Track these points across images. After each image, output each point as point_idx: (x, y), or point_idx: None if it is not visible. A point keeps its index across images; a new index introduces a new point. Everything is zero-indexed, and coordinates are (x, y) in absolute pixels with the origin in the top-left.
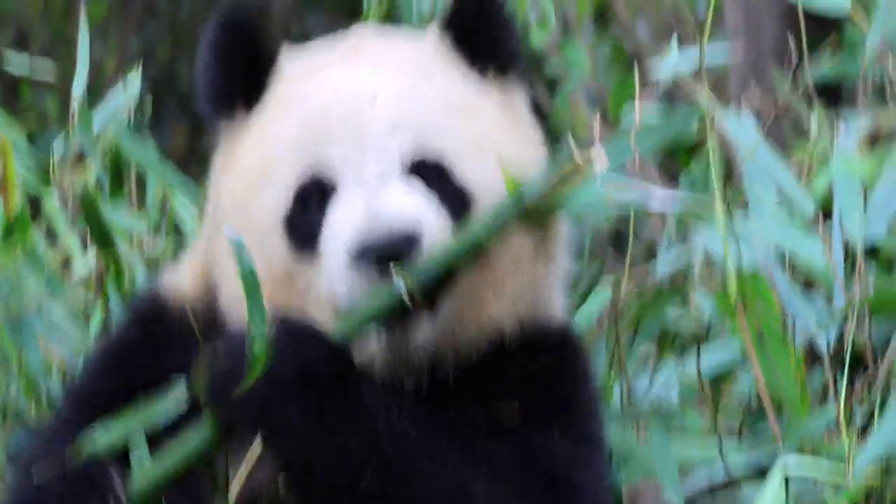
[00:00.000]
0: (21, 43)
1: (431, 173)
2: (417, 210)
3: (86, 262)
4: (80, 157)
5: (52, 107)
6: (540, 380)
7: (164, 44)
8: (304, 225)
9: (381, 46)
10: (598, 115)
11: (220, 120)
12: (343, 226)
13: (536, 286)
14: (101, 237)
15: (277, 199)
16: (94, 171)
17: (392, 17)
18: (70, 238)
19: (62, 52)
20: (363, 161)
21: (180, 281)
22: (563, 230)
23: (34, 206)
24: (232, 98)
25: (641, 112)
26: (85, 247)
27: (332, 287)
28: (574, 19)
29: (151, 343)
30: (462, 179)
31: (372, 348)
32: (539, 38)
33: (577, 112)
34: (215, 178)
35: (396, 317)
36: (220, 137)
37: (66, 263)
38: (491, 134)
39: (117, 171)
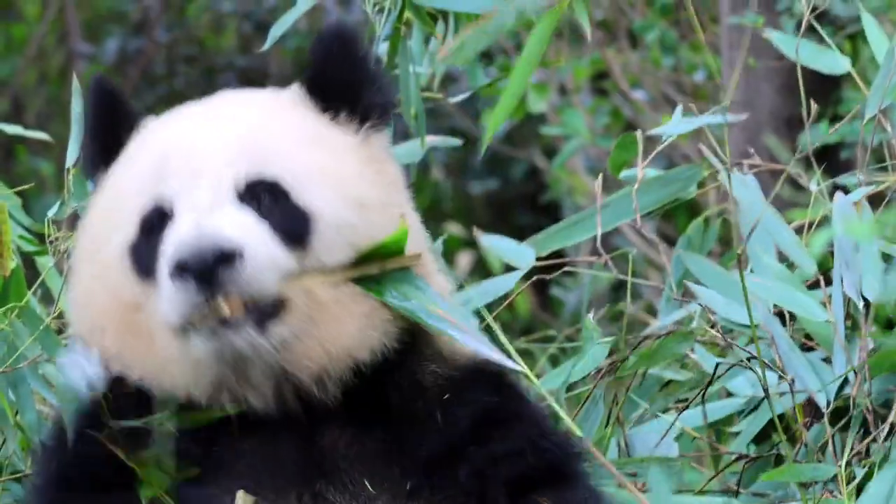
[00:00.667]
0: (17, 108)
1: (267, 196)
2: (236, 228)
3: None
4: (76, 220)
5: (48, 171)
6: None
7: (160, 110)
8: (145, 252)
9: (233, 99)
10: (601, 177)
11: (93, 178)
12: (167, 248)
13: (397, 318)
14: None
15: (124, 231)
16: None
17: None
18: (65, 298)
19: (58, 117)
20: (197, 189)
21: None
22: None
23: (30, 267)
24: (97, 162)
25: (642, 172)
26: None
27: (166, 307)
28: (572, 85)
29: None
30: (301, 200)
31: (199, 352)
32: (537, 102)
33: (576, 176)
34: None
35: (219, 326)
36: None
37: (62, 323)
38: (335, 164)
39: None
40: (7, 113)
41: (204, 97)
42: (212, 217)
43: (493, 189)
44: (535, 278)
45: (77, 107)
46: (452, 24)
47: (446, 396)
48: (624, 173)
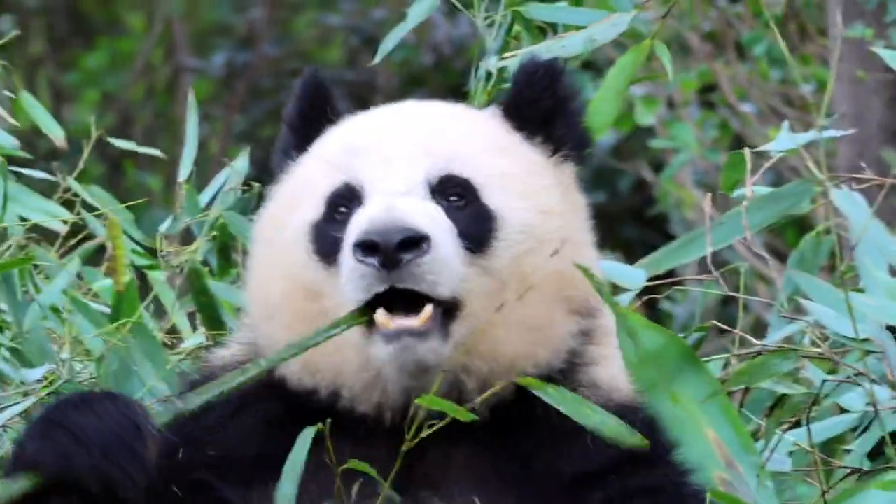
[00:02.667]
0: (125, 122)
1: (456, 193)
2: (424, 215)
3: (195, 337)
4: (187, 235)
5: (156, 185)
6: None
7: (267, 124)
8: (329, 233)
9: (432, 105)
10: (709, 196)
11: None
12: (357, 222)
13: (566, 339)
14: (210, 312)
15: (307, 210)
16: (201, 249)
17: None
18: (177, 313)
19: (165, 131)
20: (389, 176)
21: (228, 350)
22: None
23: (141, 281)
24: (292, 153)
25: (752, 188)
26: (192, 322)
27: (346, 288)
28: (680, 97)
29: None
30: (489, 202)
31: (380, 356)
32: (645, 115)
33: (683, 189)
34: (259, 213)
35: (405, 333)
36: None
37: (173, 338)
38: (525, 173)
39: (225, 248)
40: (115, 127)
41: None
42: (403, 200)
43: (600, 202)
44: (645, 298)
45: (191, 121)
46: None
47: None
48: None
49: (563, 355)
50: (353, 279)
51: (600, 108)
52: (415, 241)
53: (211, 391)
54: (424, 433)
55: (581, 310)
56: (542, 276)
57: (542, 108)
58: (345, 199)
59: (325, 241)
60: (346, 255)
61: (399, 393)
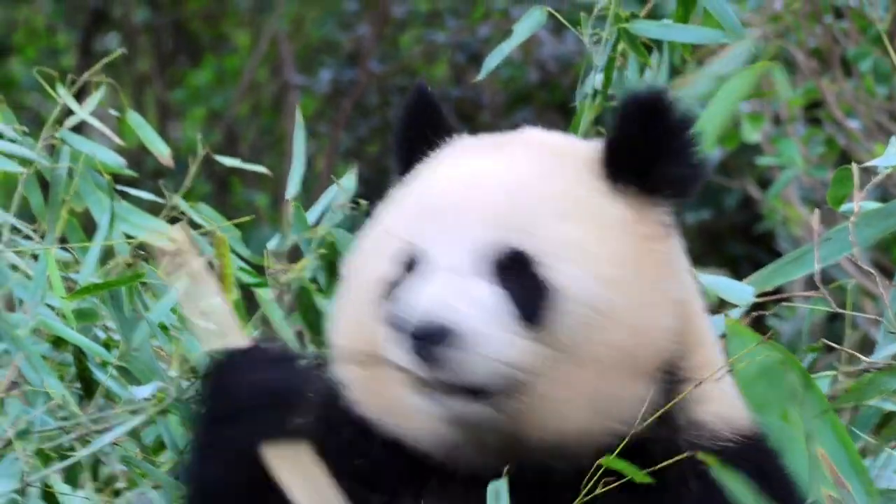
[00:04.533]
0: (231, 139)
1: (515, 264)
2: (468, 306)
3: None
4: (295, 253)
5: (263, 202)
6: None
7: (374, 142)
8: (395, 296)
9: (523, 145)
10: (817, 212)
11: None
12: (398, 299)
13: (640, 402)
14: (317, 329)
15: (384, 264)
16: (309, 267)
17: (602, 120)
18: (285, 330)
19: (271, 149)
20: (445, 246)
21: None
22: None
23: (249, 299)
24: (402, 167)
25: (859, 204)
26: (300, 339)
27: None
28: (786, 114)
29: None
30: (549, 274)
31: (432, 410)
32: (751, 132)
33: (790, 206)
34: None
35: (438, 391)
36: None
37: None
38: (596, 241)
39: (332, 266)
40: (221, 145)
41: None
42: (449, 284)
43: (706, 219)
44: (753, 315)
45: (298, 138)
46: (667, 55)
47: (704, 467)
48: (842, 207)
49: (643, 414)
50: (392, 348)
51: (706, 127)
52: (447, 338)
53: None
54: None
55: (656, 368)
56: (602, 349)
57: (639, 150)
58: (408, 264)
59: (390, 304)
60: (385, 321)
61: (459, 447)
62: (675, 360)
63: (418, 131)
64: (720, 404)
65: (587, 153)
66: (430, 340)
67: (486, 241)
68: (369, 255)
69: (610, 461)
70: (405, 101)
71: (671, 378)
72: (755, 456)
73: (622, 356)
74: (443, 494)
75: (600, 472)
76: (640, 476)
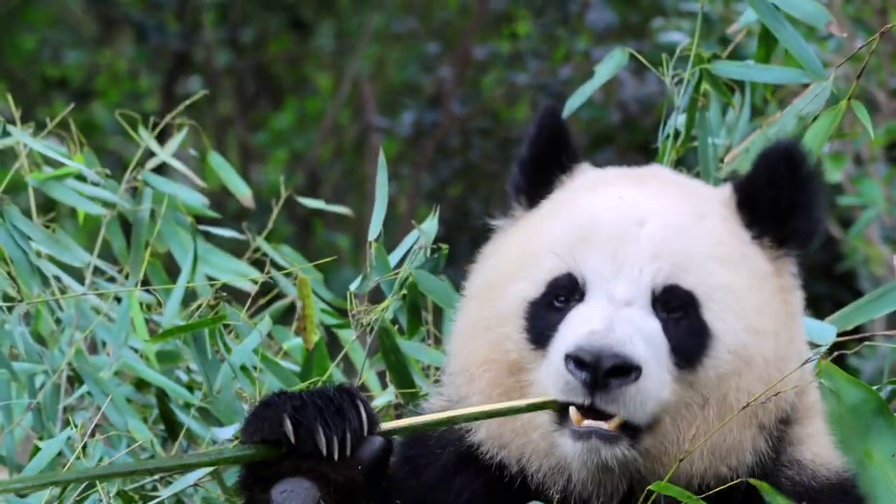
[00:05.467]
0: (313, 182)
1: (678, 305)
2: (642, 341)
3: (385, 395)
4: (377, 294)
5: (345, 244)
6: None
7: (455, 184)
8: (545, 317)
9: (665, 182)
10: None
11: (512, 208)
12: (575, 328)
13: (753, 453)
14: (399, 371)
15: (527, 286)
16: (391, 308)
17: (684, 162)
18: (367, 371)
19: (353, 190)
20: (616, 278)
21: (433, 402)
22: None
23: (332, 340)
24: (522, 190)
25: None
26: (381, 381)
27: (548, 381)
28: (867, 154)
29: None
30: (707, 318)
31: (566, 450)
32: (833, 172)
33: (872, 246)
34: (473, 268)
35: (594, 434)
36: (496, 232)
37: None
38: (747, 288)
39: (414, 307)
40: (304, 187)
41: (500, 170)
42: (625, 318)
43: None
44: (835, 354)
45: (381, 180)
46: (748, 94)
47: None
48: None
49: (751, 464)
50: (557, 382)
51: None
52: (625, 371)
53: (399, 428)
54: None
55: (775, 422)
56: (743, 397)
57: (779, 203)
58: (565, 290)
59: (539, 325)
60: (556, 356)
61: (583, 483)
62: (791, 408)
63: (549, 154)
64: (817, 444)
65: (724, 198)
66: (609, 374)
67: (655, 275)
68: (506, 275)
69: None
70: (537, 121)
71: (787, 416)
72: (847, 496)
73: (754, 406)
74: None
75: None
76: (696, 502)
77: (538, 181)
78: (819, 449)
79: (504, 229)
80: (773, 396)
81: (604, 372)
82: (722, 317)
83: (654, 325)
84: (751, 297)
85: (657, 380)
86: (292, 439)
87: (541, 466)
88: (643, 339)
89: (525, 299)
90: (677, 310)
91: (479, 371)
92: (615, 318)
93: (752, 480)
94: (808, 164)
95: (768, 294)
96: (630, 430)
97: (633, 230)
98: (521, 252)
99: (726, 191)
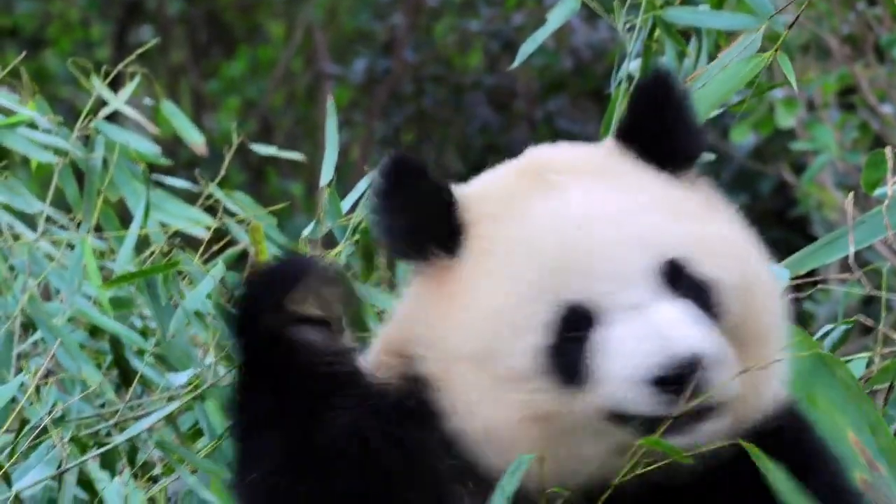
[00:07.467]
0: (266, 129)
1: (679, 272)
2: (697, 330)
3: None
4: (330, 240)
5: (298, 191)
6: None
7: (408, 130)
8: (569, 356)
9: (567, 164)
10: (851, 195)
11: (412, 261)
12: (628, 351)
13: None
14: (354, 317)
15: (531, 337)
16: (344, 253)
17: None
18: None
19: (306, 138)
20: (622, 286)
21: (371, 359)
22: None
23: None
24: (420, 242)
25: (893, 188)
26: None
27: (615, 408)
28: (820, 100)
29: None
30: (703, 273)
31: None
32: (785, 118)
33: (824, 191)
34: (429, 320)
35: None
36: (416, 277)
37: None
38: (711, 231)
39: (367, 252)
40: (256, 134)
41: (452, 116)
42: (667, 321)
43: (741, 204)
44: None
45: (331, 127)
46: (705, 42)
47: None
48: (876, 191)
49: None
50: (639, 404)
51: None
52: (701, 363)
53: None
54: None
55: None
56: (767, 318)
57: (662, 129)
58: (575, 323)
59: (565, 366)
60: (622, 381)
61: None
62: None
63: (423, 216)
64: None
65: (608, 149)
66: (691, 373)
67: (651, 262)
68: (501, 333)
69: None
70: (388, 179)
71: None
72: (794, 428)
73: (773, 330)
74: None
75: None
76: (678, 454)
77: (420, 227)
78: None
79: (435, 280)
80: (781, 314)
81: (688, 375)
82: (711, 263)
83: (683, 304)
84: (726, 234)
85: (725, 353)
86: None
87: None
88: (689, 325)
89: (536, 349)
90: (680, 279)
91: (511, 433)
92: (657, 323)
93: (742, 443)
94: (677, 87)
95: (731, 227)
96: (700, 417)
97: (602, 231)
98: (502, 309)
99: (611, 145)
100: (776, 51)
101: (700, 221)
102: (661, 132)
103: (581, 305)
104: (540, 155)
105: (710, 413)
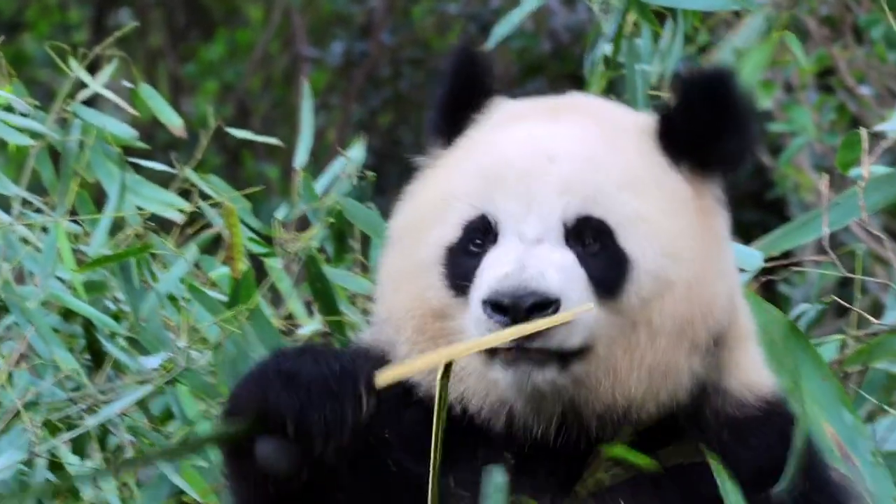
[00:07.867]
0: (243, 112)
1: (591, 235)
2: (557, 274)
3: (311, 324)
4: (303, 223)
5: (274, 174)
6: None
7: (385, 113)
8: (463, 262)
9: (582, 113)
10: (826, 177)
11: (431, 148)
12: (489, 273)
13: (690, 376)
14: (326, 299)
15: (444, 231)
16: (317, 236)
17: (614, 90)
18: (294, 300)
19: (283, 121)
20: (526, 216)
21: (366, 336)
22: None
23: (258, 269)
24: (441, 129)
25: (869, 168)
26: (308, 309)
27: (470, 328)
28: (797, 81)
29: None
30: (624, 245)
31: (499, 381)
32: (763, 99)
33: (802, 173)
34: (397, 208)
35: (524, 360)
36: (418, 171)
37: (290, 325)
38: (661, 214)
39: (341, 235)
40: (233, 117)
41: (430, 100)
42: (536, 254)
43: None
44: (763, 279)
45: (306, 110)
46: (681, 22)
47: (726, 438)
48: (851, 172)
49: (691, 388)
50: (479, 329)
51: None
52: (544, 306)
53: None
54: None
55: (707, 342)
56: (668, 320)
57: (699, 127)
58: (480, 232)
59: (458, 271)
60: (475, 303)
61: (523, 414)
62: (722, 331)
63: (464, 91)
64: (745, 371)
65: (644, 126)
66: (528, 311)
67: (566, 208)
68: (424, 220)
69: (617, 450)
70: (450, 59)
71: (715, 348)
72: (776, 422)
73: (684, 327)
74: (492, 462)
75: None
76: (645, 461)
77: (454, 120)
78: (747, 375)
79: (425, 169)
80: (702, 317)
81: (523, 312)
82: (638, 243)
83: (568, 257)
84: (668, 222)
85: (580, 305)
86: (291, 434)
87: (482, 407)
88: (557, 271)
89: (443, 245)
90: (593, 241)
91: (404, 321)
92: (526, 257)
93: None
94: (733, 86)
95: (687, 218)
96: (559, 357)
97: (543, 166)
98: (437, 195)
99: (649, 118)
100: (782, 29)
101: (660, 210)
102: (690, 128)
103: (489, 218)
104: (576, 96)
105: (548, 360)
